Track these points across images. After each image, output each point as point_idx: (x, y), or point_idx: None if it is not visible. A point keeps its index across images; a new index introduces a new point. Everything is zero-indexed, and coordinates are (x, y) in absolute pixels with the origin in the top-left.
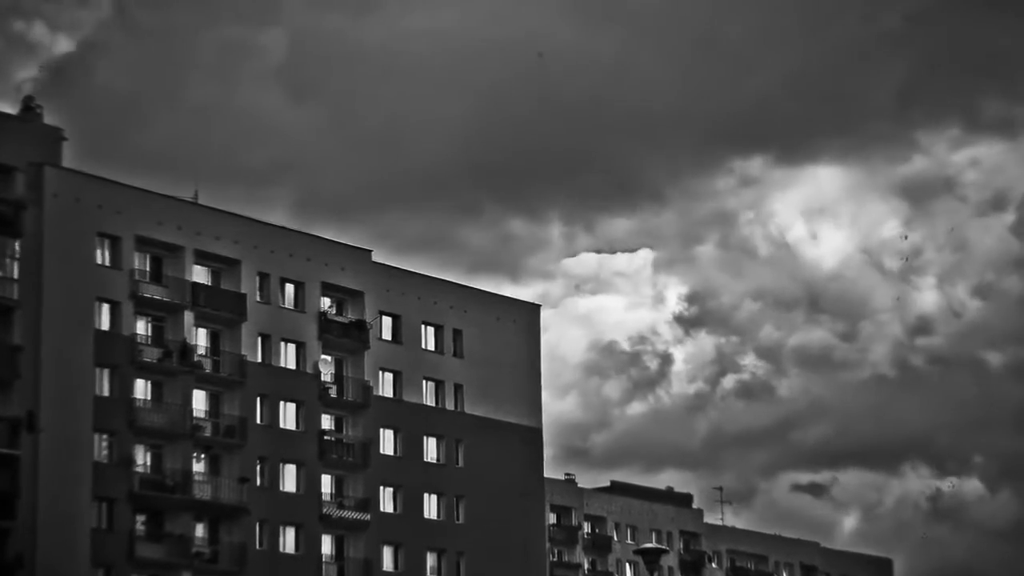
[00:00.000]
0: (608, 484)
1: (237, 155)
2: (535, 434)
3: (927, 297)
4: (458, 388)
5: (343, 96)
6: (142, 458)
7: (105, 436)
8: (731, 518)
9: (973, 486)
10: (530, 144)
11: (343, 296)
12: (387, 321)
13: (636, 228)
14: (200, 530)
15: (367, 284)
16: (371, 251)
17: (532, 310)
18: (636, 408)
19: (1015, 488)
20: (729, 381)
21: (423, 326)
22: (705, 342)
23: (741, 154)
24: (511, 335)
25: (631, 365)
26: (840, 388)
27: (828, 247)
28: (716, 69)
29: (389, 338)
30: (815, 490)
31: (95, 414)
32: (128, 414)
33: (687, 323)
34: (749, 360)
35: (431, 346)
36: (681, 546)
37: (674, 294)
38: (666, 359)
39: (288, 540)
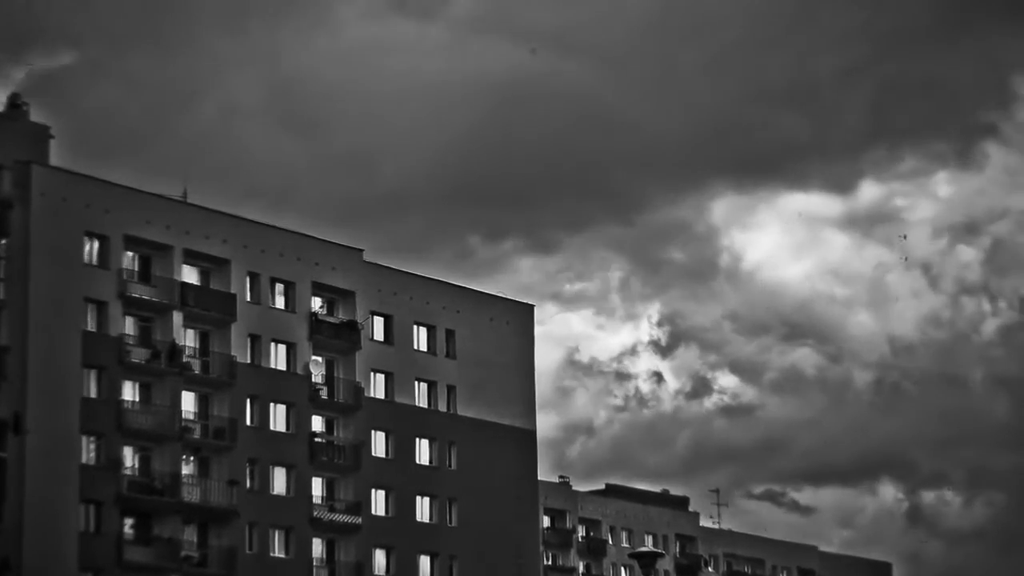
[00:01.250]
0: (603, 487)
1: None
2: (529, 436)
3: (897, 317)
4: (451, 389)
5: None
6: (130, 460)
7: (93, 438)
8: (727, 521)
9: (948, 497)
10: (501, 168)
11: (334, 296)
12: (379, 321)
13: (605, 251)
14: (189, 533)
15: (358, 284)
16: (362, 250)
17: (526, 310)
18: (613, 425)
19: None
20: (705, 400)
21: (415, 326)
22: (681, 361)
23: (711, 180)
24: (504, 336)
25: (603, 382)
26: (815, 406)
27: (799, 271)
28: (686, 95)
29: (381, 339)
30: (790, 504)
31: (82, 416)
32: (116, 416)
33: (660, 346)
34: (725, 380)
35: (423, 347)
36: (677, 550)
37: (645, 316)
38: (642, 377)
39: (278, 544)
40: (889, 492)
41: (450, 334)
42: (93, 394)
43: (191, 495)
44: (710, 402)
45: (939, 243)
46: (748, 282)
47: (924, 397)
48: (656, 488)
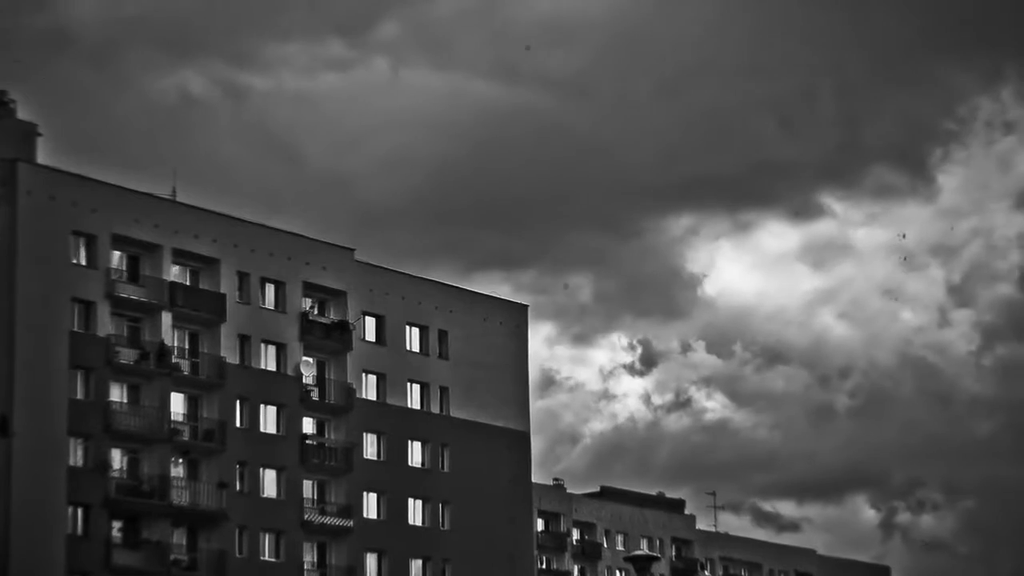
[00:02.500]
0: (598, 489)
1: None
2: (523, 438)
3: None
4: (444, 391)
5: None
6: (118, 463)
7: (80, 440)
8: (724, 524)
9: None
10: (482, 196)
11: (325, 296)
12: (370, 322)
13: (575, 272)
14: (178, 536)
15: (350, 284)
16: (354, 250)
17: (520, 311)
18: (591, 441)
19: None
20: (683, 418)
21: (407, 327)
22: (660, 380)
23: (679, 202)
24: (498, 336)
25: (580, 400)
26: (791, 422)
27: (765, 291)
28: (652, 120)
29: (373, 339)
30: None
31: (70, 418)
32: (104, 418)
33: (635, 366)
34: (699, 396)
35: (416, 347)
36: (673, 553)
37: (624, 340)
38: (621, 398)
39: (269, 547)
40: (864, 505)
41: (443, 335)
42: (80, 396)
43: (180, 498)
44: (686, 419)
45: (908, 264)
46: (717, 303)
47: (897, 413)
48: (651, 491)
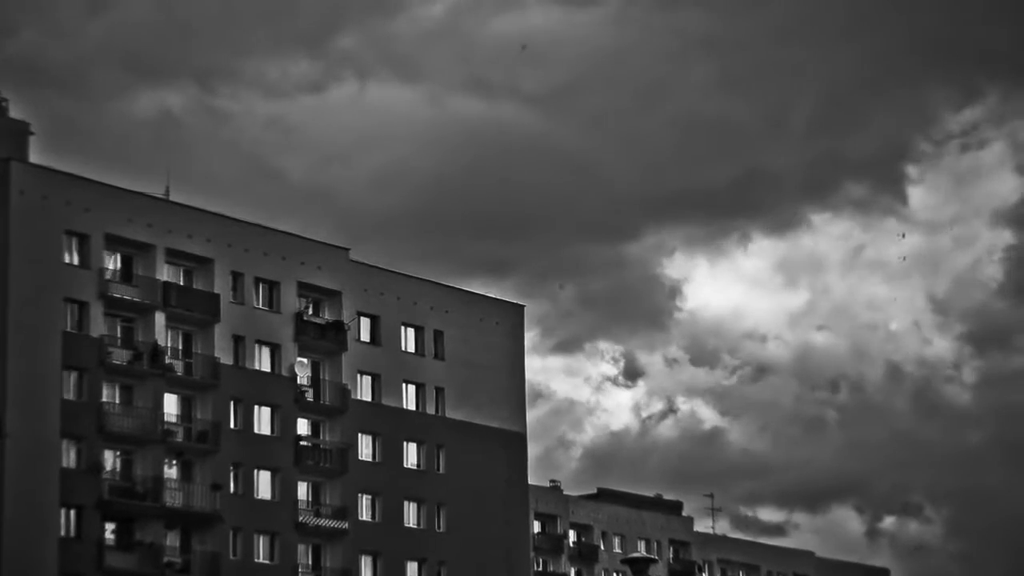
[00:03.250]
0: (595, 491)
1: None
2: (519, 439)
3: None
4: (439, 391)
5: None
6: (111, 464)
7: (73, 441)
8: (722, 526)
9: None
10: (465, 210)
11: (320, 296)
12: (365, 322)
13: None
14: (171, 538)
15: (344, 284)
16: (348, 249)
17: (516, 311)
18: (578, 450)
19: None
20: (668, 426)
21: (403, 327)
22: (646, 392)
23: (664, 224)
24: (494, 336)
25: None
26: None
27: (747, 305)
28: (636, 137)
29: (367, 340)
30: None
31: (62, 418)
32: (97, 418)
33: (622, 382)
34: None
35: (411, 348)
36: (671, 555)
37: (609, 351)
38: (609, 409)
39: (262, 549)
40: (850, 512)
41: (438, 335)
42: (73, 396)
43: (174, 499)
44: (674, 428)
45: (892, 280)
46: (699, 315)
47: (881, 422)
48: (648, 492)
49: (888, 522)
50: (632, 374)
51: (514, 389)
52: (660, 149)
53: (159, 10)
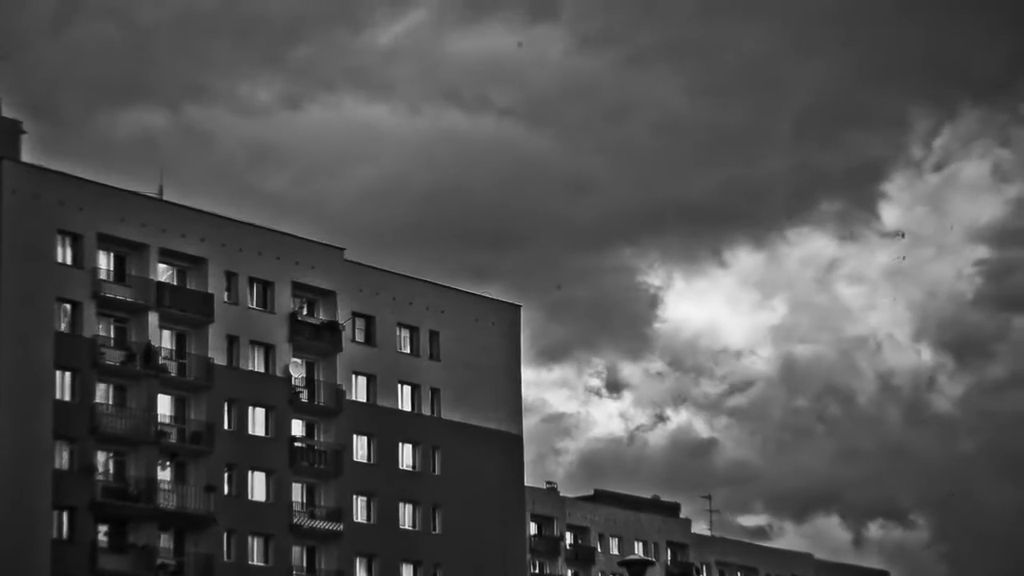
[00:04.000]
0: (591, 492)
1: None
2: (515, 440)
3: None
4: (435, 392)
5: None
6: (104, 466)
7: (66, 443)
8: (720, 528)
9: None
10: (446, 223)
11: (314, 296)
12: (360, 322)
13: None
14: (165, 541)
15: (339, 284)
16: (343, 249)
17: (512, 311)
18: (568, 456)
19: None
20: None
21: (398, 328)
22: (630, 403)
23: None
24: (490, 337)
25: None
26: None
27: (730, 322)
28: (623, 155)
29: (362, 340)
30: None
31: (55, 419)
32: (90, 420)
33: (606, 393)
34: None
35: (406, 348)
36: (668, 557)
37: (592, 368)
38: (587, 422)
39: (257, 551)
40: (833, 523)
41: (434, 335)
42: (66, 397)
43: (167, 501)
44: (663, 436)
45: (871, 293)
46: (684, 331)
47: (864, 431)
48: (646, 494)
49: (872, 529)
50: (615, 387)
51: (510, 390)
52: (642, 160)
53: (121, 30)
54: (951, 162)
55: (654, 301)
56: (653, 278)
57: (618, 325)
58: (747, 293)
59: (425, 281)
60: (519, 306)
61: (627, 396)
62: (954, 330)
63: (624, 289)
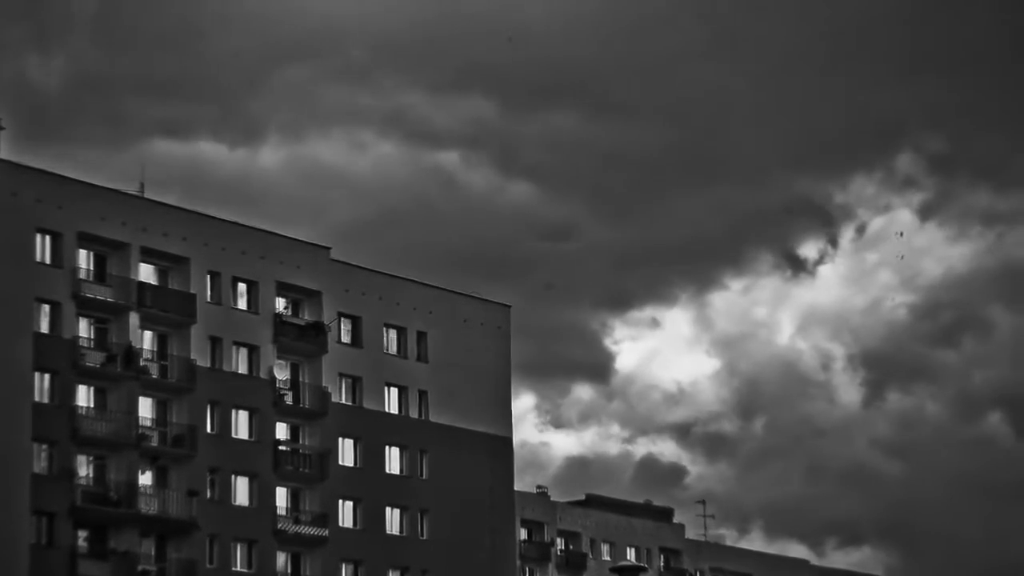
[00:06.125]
0: (583, 497)
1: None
2: (505, 444)
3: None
4: (422, 395)
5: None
6: (84, 470)
7: (44, 446)
8: (715, 534)
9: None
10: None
11: (299, 296)
12: (346, 323)
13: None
14: (146, 546)
15: (325, 283)
16: (329, 248)
17: (502, 311)
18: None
19: None
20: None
21: (385, 328)
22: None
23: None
24: (479, 338)
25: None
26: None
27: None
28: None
29: (348, 341)
30: None
31: (34, 422)
32: (69, 423)
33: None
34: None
35: (393, 350)
36: (661, 563)
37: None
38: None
39: (240, 557)
40: (799, 549)
41: (422, 336)
42: (45, 399)
43: (149, 506)
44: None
45: (819, 339)
46: (641, 376)
47: (810, 461)
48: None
49: (829, 552)
50: (560, 423)
51: (500, 392)
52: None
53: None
54: (882, 210)
55: (606, 344)
56: (601, 320)
57: (570, 363)
58: (690, 338)
59: (412, 281)
60: (508, 306)
61: (595, 430)
62: (884, 366)
63: (573, 328)
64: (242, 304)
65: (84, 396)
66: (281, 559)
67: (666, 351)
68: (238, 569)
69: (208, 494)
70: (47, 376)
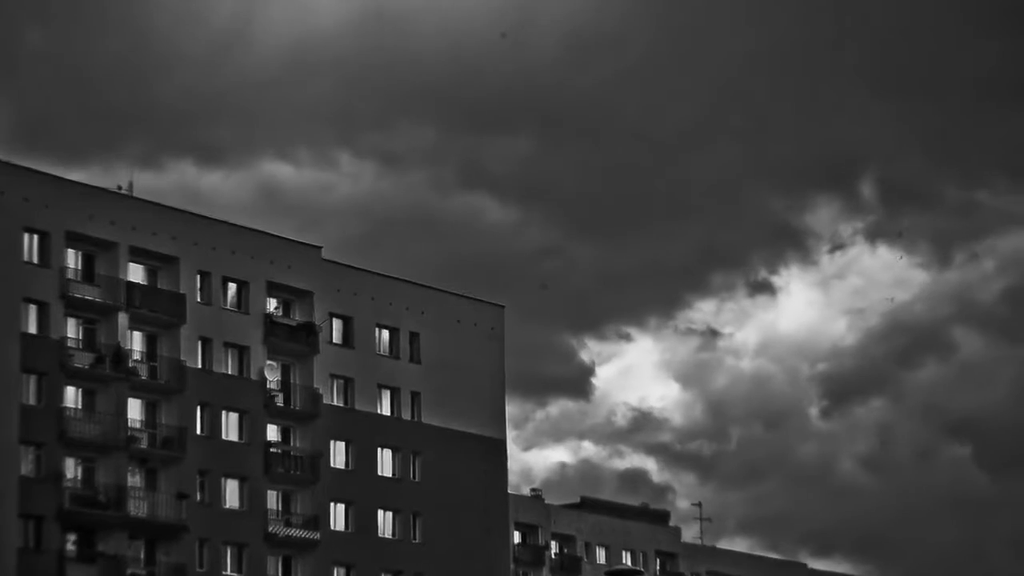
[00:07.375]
0: (578, 500)
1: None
2: (498, 446)
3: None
4: (415, 396)
5: None
6: (72, 472)
7: (32, 448)
8: (711, 537)
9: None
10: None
11: (290, 296)
12: (338, 324)
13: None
14: (135, 550)
15: (316, 283)
16: (320, 248)
17: (495, 312)
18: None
19: None
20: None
21: (377, 329)
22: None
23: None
24: (472, 339)
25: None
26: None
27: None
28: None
29: (340, 342)
30: None
31: (21, 424)
32: (57, 424)
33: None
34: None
35: (385, 351)
36: (657, 567)
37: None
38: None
39: (230, 561)
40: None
41: (414, 337)
42: (33, 401)
43: (138, 509)
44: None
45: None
46: (620, 394)
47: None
48: (634, 502)
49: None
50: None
51: (493, 394)
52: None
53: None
54: (842, 248)
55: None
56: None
57: (556, 389)
58: (664, 369)
59: (405, 281)
60: (502, 306)
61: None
62: (839, 387)
63: (554, 349)
64: (232, 304)
65: (72, 397)
66: (272, 563)
67: (637, 369)
68: (228, 572)
69: (198, 497)
70: (35, 377)
